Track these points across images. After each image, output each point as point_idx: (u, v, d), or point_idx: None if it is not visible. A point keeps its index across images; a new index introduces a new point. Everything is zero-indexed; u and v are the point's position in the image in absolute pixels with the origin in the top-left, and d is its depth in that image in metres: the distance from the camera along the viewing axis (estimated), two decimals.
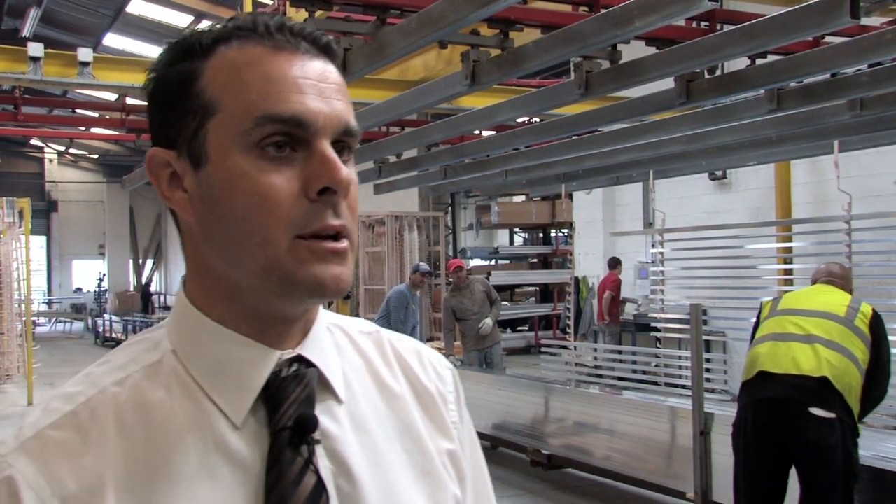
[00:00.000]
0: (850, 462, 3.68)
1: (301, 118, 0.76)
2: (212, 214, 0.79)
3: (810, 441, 3.65)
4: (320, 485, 0.78)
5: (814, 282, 4.26)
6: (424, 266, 9.18)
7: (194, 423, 0.78)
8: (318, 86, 0.78)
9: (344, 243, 0.78)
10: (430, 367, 0.96)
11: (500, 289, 16.98)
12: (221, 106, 0.77)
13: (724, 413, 4.92)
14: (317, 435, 0.80)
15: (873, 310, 3.96)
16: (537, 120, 7.43)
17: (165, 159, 0.81)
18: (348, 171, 0.78)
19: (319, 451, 0.80)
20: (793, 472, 3.83)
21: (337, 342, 0.90)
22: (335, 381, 0.85)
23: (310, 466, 0.78)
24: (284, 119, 0.76)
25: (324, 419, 0.81)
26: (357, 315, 14.56)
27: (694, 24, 4.82)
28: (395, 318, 8.56)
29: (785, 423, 3.71)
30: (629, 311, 12.41)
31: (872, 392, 3.84)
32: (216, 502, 0.75)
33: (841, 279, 4.20)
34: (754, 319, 4.24)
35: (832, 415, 3.64)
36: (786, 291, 4.39)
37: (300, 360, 0.83)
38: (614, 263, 12.13)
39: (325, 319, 0.89)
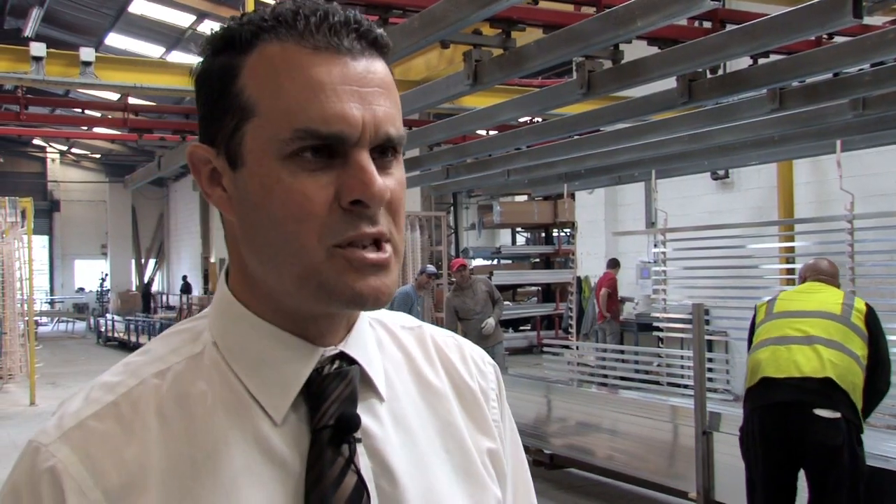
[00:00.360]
0: (856, 461, 3.69)
1: (342, 133, 0.74)
2: (249, 218, 0.77)
3: (817, 442, 3.65)
4: (361, 485, 0.77)
5: (802, 279, 4.28)
6: (431, 268, 9.18)
7: (235, 418, 0.77)
8: (358, 91, 0.75)
9: (385, 253, 0.76)
10: (473, 364, 0.95)
11: (503, 288, 16.97)
12: (259, 109, 0.75)
13: (727, 413, 4.92)
14: (358, 434, 0.79)
15: (867, 305, 3.99)
16: (539, 120, 7.43)
17: (206, 156, 0.80)
18: (384, 182, 0.75)
19: (360, 449, 0.79)
20: (801, 475, 3.83)
21: (379, 338, 0.89)
22: (377, 379, 0.84)
23: (351, 466, 0.77)
24: (323, 135, 0.74)
25: (365, 418, 0.80)
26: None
27: (696, 23, 4.82)
28: None
29: (791, 426, 3.72)
30: (628, 309, 12.46)
31: (876, 386, 3.85)
32: (257, 500, 0.75)
33: (830, 276, 4.21)
34: (749, 322, 4.25)
35: (837, 415, 3.64)
36: (781, 290, 4.37)
37: (342, 356, 0.81)
38: (613, 264, 12.26)
39: (369, 315, 0.88)
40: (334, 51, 0.76)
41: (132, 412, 0.76)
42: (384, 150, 0.77)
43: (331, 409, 0.78)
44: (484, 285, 9.02)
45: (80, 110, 10.82)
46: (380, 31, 0.80)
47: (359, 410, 0.80)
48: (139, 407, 0.76)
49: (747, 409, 3.95)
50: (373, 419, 0.82)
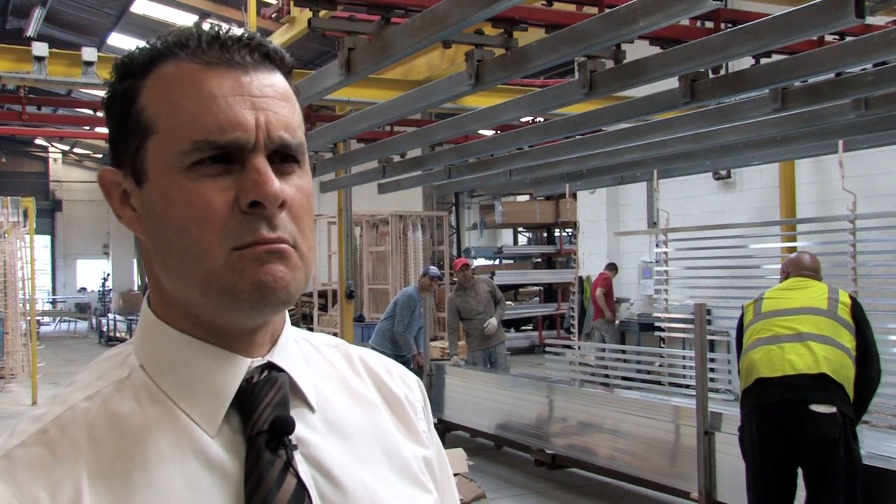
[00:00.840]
0: (852, 455, 3.73)
1: (235, 141, 0.76)
2: (155, 231, 0.79)
3: (815, 438, 3.69)
4: (301, 487, 0.77)
5: (785, 274, 4.30)
6: (434, 270, 9.13)
7: (168, 432, 0.77)
8: (251, 100, 0.77)
9: (282, 245, 0.77)
10: (398, 377, 0.96)
11: (504, 288, 16.95)
12: (157, 127, 0.78)
13: (729, 413, 4.92)
14: (294, 441, 0.79)
15: (851, 297, 4.05)
16: (541, 119, 7.42)
17: (115, 179, 0.82)
18: (280, 185, 0.77)
19: (298, 457, 0.79)
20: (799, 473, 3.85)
21: (305, 353, 0.89)
22: (307, 390, 0.84)
23: (289, 469, 0.77)
24: (218, 145, 0.76)
25: (299, 426, 0.80)
26: (362, 314, 14.57)
27: (698, 23, 4.82)
28: (399, 320, 8.52)
29: (788, 423, 3.75)
30: (622, 310, 12.51)
31: (868, 376, 3.89)
32: None
33: (813, 271, 4.25)
34: (737, 323, 4.27)
35: (833, 409, 3.69)
36: (766, 289, 4.39)
37: (270, 367, 0.82)
38: (610, 267, 12.40)
39: (293, 334, 0.89)
40: (226, 65, 0.78)
41: (61, 436, 0.75)
42: (285, 158, 0.79)
43: (264, 415, 0.78)
44: (486, 285, 9.02)
45: (82, 110, 10.83)
46: (273, 45, 0.82)
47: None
48: (68, 430, 0.75)
49: (744, 409, 3.99)
50: (307, 428, 0.82)
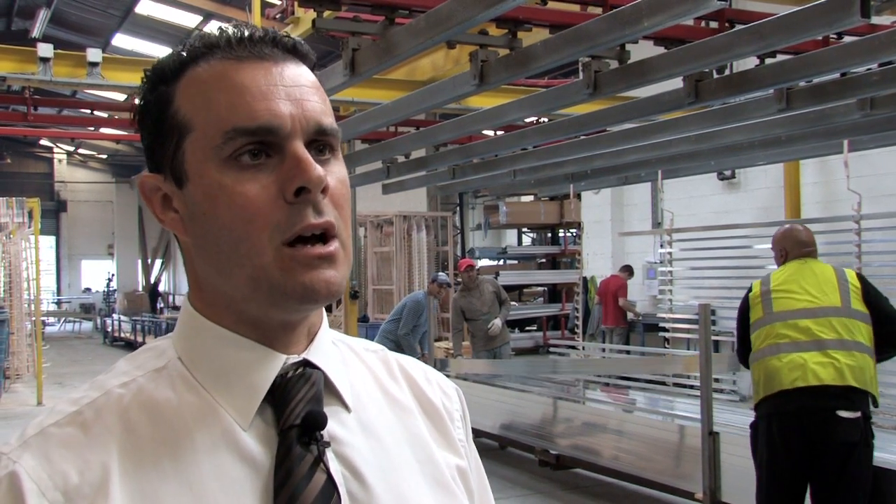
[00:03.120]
0: (870, 454, 3.74)
1: (269, 126, 0.77)
2: (200, 230, 0.79)
3: (839, 441, 3.68)
4: (331, 483, 0.77)
5: (783, 253, 4.13)
6: (443, 277, 9.10)
7: (202, 421, 0.78)
8: (285, 89, 0.79)
9: (332, 246, 0.78)
10: (437, 385, 0.96)
11: (509, 289, 16.91)
12: (194, 124, 0.78)
13: (733, 413, 4.92)
14: (326, 438, 0.79)
15: (858, 275, 3.98)
16: (545, 120, 7.42)
17: (155, 184, 0.83)
18: (322, 170, 0.78)
19: (329, 454, 0.79)
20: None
21: (343, 356, 0.90)
22: (342, 388, 0.85)
23: (320, 465, 0.77)
24: (252, 130, 0.77)
25: (333, 424, 0.81)
26: (366, 314, 14.57)
27: (703, 23, 4.81)
28: (405, 324, 8.51)
29: (813, 428, 3.72)
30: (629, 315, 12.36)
31: (891, 347, 3.88)
32: (225, 499, 0.75)
33: (813, 246, 4.12)
34: (739, 307, 4.16)
35: (857, 414, 3.67)
36: (770, 273, 4.21)
37: (306, 364, 0.83)
38: (626, 269, 12.08)
39: (331, 335, 0.90)
40: (257, 58, 0.80)
41: (95, 418, 0.76)
42: (320, 149, 0.80)
43: (297, 409, 0.79)
44: (491, 286, 9.02)
45: (87, 111, 10.85)
46: (298, 38, 0.84)
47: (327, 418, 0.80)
48: (102, 414, 0.77)
49: (763, 412, 3.91)
50: (340, 426, 0.82)
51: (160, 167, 0.82)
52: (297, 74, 0.81)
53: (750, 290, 4.15)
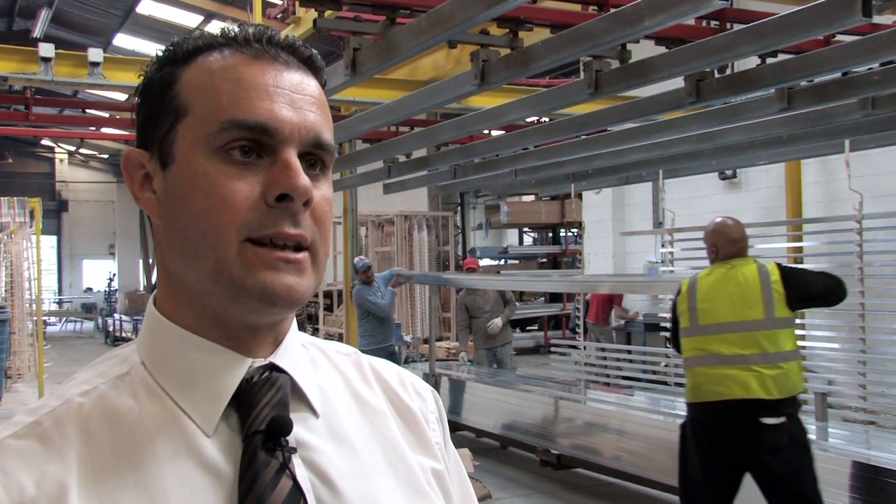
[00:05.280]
0: (802, 454, 3.79)
1: (267, 126, 0.76)
2: (173, 215, 0.79)
3: (765, 448, 3.75)
4: (297, 490, 0.75)
5: (714, 249, 4.13)
6: (361, 263, 8.83)
7: (164, 429, 0.76)
8: (290, 95, 0.78)
9: (301, 254, 0.77)
10: (411, 387, 0.94)
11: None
12: (192, 109, 0.78)
13: None
14: (293, 444, 0.78)
15: (781, 272, 3.94)
16: (546, 119, 7.42)
17: (139, 160, 0.82)
18: (309, 182, 0.77)
19: (297, 460, 0.78)
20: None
21: (313, 358, 0.88)
22: (310, 393, 0.83)
23: (285, 471, 0.75)
24: (250, 126, 0.76)
25: (300, 430, 0.79)
26: None
27: (704, 23, 4.81)
28: (378, 304, 8.36)
29: (739, 437, 3.80)
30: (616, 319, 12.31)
31: (834, 295, 3.90)
32: None
33: (744, 241, 4.13)
34: (671, 307, 4.21)
35: (782, 419, 3.74)
36: (697, 274, 4.21)
37: (272, 368, 0.81)
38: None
39: (302, 338, 0.88)
40: (270, 59, 0.80)
41: (54, 429, 0.75)
42: (312, 163, 0.80)
43: (262, 414, 0.77)
44: None
45: (88, 111, 10.86)
46: (314, 52, 0.84)
47: (294, 424, 0.78)
48: (61, 424, 0.75)
49: (694, 417, 4.00)
50: (308, 431, 0.81)
51: (149, 145, 0.81)
52: (306, 85, 0.81)
53: (679, 291, 4.17)
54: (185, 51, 0.81)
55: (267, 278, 0.75)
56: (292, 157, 0.77)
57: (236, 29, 0.82)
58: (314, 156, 0.80)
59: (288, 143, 0.77)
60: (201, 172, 0.76)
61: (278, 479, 0.75)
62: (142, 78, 0.84)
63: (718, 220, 4.28)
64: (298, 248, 0.77)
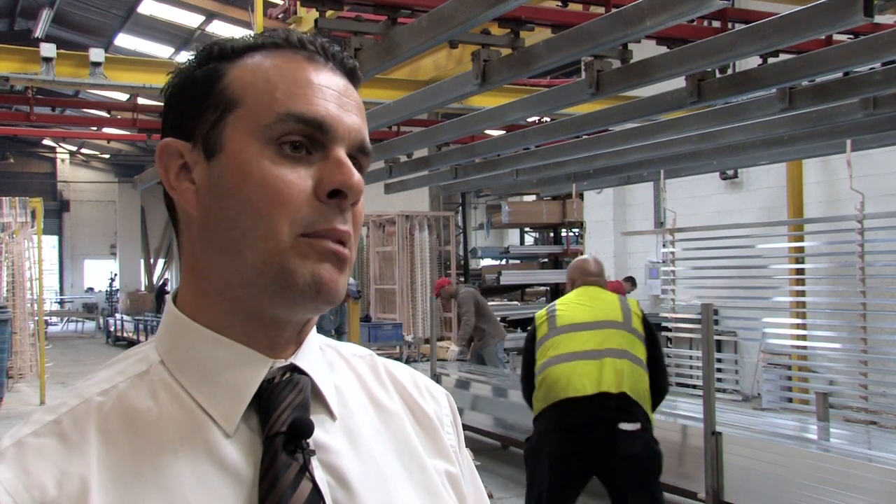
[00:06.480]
0: (657, 461, 3.85)
1: (323, 122, 0.78)
2: (218, 204, 0.78)
3: (623, 455, 3.74)
4: (317, 493, 0.75)
5: (571, 282, 4.25)
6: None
7: (184, 430, 0.76)
8: (340, 98, 0.80)
9: (346, 249, 0.78)
10: (426, 390, 0.95)
11: (511, 288, 16.96)
12: (244, 101, 0.79)
13: (735, 413, 4.91)
14: (312, 446, 0.78)
15: (640, 306, 4.11)
16: (548, 119, 7.42)
17: (178, 149, 0.81)
18: (362, 180, 0.79)
19: (315, 463, 0.78)
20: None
21: (330, 360, 0.88)
22: (328, 395, 0.83)
23: (305, 474, 0.75)
24: (307, 119, 0.77)
25: (317, 431, 0.79)
26: (368, 314, 14.57)
27: (705, 23, 4.81)
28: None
29: (596, 443, 3.78)
30: None
31: (660, 385, 3.95)
32: None
33: (599, 276, 4.24)
34: (529, 336, 4.18)
35: (637, 426, 3.75)
36: (557, 301, 4.27)
37: (293, 369, 0.81)
38: (629, 280, 12.15)
39: (319, 340, 0.88)
40: (322, 62, 0.82)
41: (73, 428, 0.75)
42: (356, 163, 0.81)
43: (283, 416, 0.77)
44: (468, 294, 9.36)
45: (89, 111, 10.87)
46: (356, 63, 0.86)
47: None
48: (81, 423, 0.75)
49: (542, 427, 3.96)
50: (326, 434, 0.81)
51: (190, 135, 0.81)
52: (351, 91, 0.83)
53: (535, 319, 4.22)
54: (237, 47, 0.82)
55: (317, 269, 0.76)
56: (344, 154, 0.79)
57: (284, 34, 0.83)
58: (355, 159, 0.81)
59: (339, 141, 0.79)
60: (255, 163, 0.77)
61: (298, 482, 0.75)
62: (172, 76, 0.84)
63: (580, 257, 4.46)
64: (343, 245, 0.79)
